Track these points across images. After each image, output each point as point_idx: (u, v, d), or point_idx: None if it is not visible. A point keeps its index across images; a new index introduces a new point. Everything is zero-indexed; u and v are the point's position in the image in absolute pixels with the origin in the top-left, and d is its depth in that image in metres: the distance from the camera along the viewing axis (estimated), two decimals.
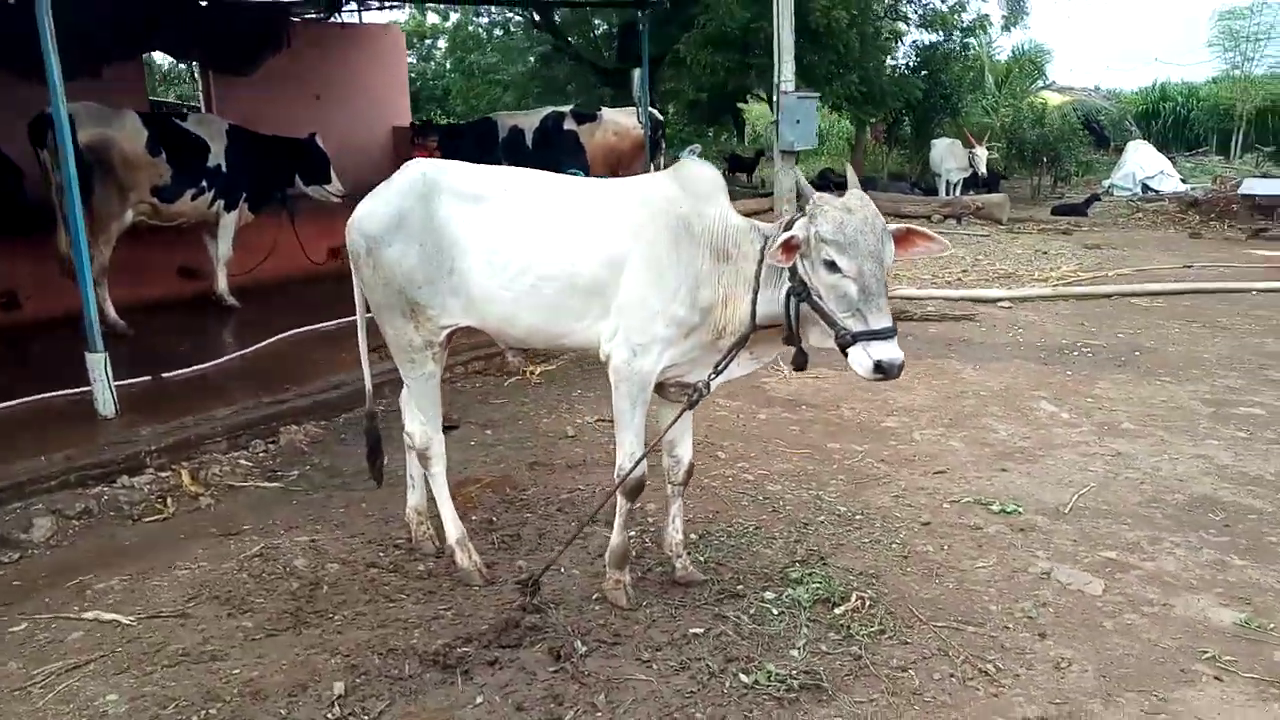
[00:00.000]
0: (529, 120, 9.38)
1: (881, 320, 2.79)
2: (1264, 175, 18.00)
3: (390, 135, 11.84)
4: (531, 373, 6.61)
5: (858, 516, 4.24)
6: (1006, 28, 17.86)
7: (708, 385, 3.29)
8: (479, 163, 9.40)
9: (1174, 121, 31.33)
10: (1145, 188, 20.14)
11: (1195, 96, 31.93)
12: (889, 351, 2.78)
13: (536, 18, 18.21)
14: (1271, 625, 3.26)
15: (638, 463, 3.34)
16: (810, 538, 4.01)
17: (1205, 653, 3.10)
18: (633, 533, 3.86)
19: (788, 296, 3.02)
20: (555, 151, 9.19)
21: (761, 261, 3.11)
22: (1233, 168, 23.49)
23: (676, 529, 3.68)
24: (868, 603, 3.42)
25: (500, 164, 8.91)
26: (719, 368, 3.26)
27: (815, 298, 2.91)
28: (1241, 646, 3.14)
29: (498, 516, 4.34)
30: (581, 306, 3.34)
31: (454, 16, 23.47)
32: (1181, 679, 2.97)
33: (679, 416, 3.41)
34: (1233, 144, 28.80)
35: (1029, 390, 6.14)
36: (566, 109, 9.60)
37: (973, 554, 3.86)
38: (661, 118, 12.12)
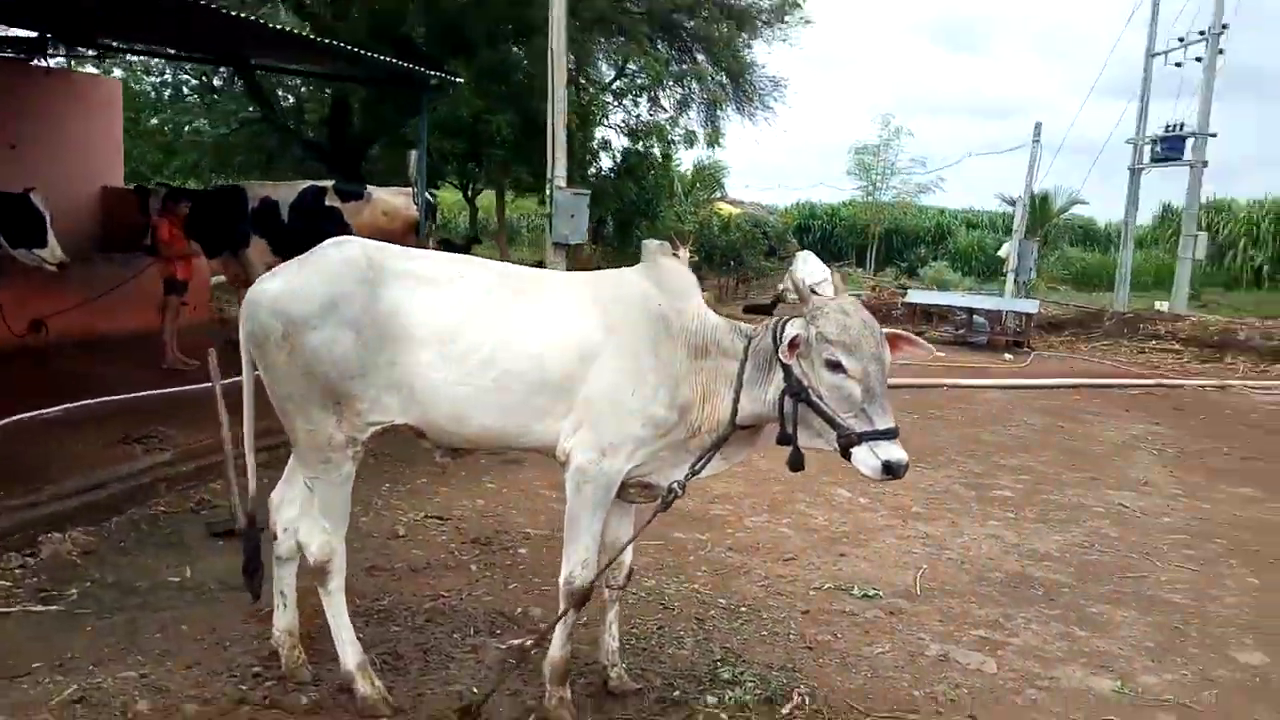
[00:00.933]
0: (283, 193, 8.63)
1: (886, 421, 2.80)
2: (925, 286, 20.96)
3: (99, 196, 10.35)
4: None
5: (742, 609, 4.25)
6: (711, 145, 19.52)
7: (683, 486, 3.12)
8: (225, 233, 8.72)
9: (821, 236, 35.75)
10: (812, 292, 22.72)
11: (837, 216, 36.84)
12: (896, 452, 2.78)
13: (239, 81, 17.04)
14: (1140, 689, 3.69)
15: (602, 570, 3.15)
16: (713, 635, 3.95)
17: None
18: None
19: (783, 396, 2.95)
20: (315, 228, 8.49)
21: (745, 360, 3.05)
22: (872, 279, 27.26)
23: (613, 636, 3.46)
24: (808, 699, 3.41)
25: (249, 237, 8.27)
26: (696, 467, 3.12)
27: (815, 398, 2.87)
28: (1130, 712, 3.51)
29: (362, 633, 3.79)
30: (547, 404, 3.11)
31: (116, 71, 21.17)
32: None
33: (653, 518, 3.20)
34: (868, 258, 33.49)
35: (820, 476, 6.54)
36: (328, 184, 8.97)
37: (866, 640, 4.00)
38: (434, 200, 11.76)
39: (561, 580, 3.19)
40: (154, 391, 6.65)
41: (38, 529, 4.47)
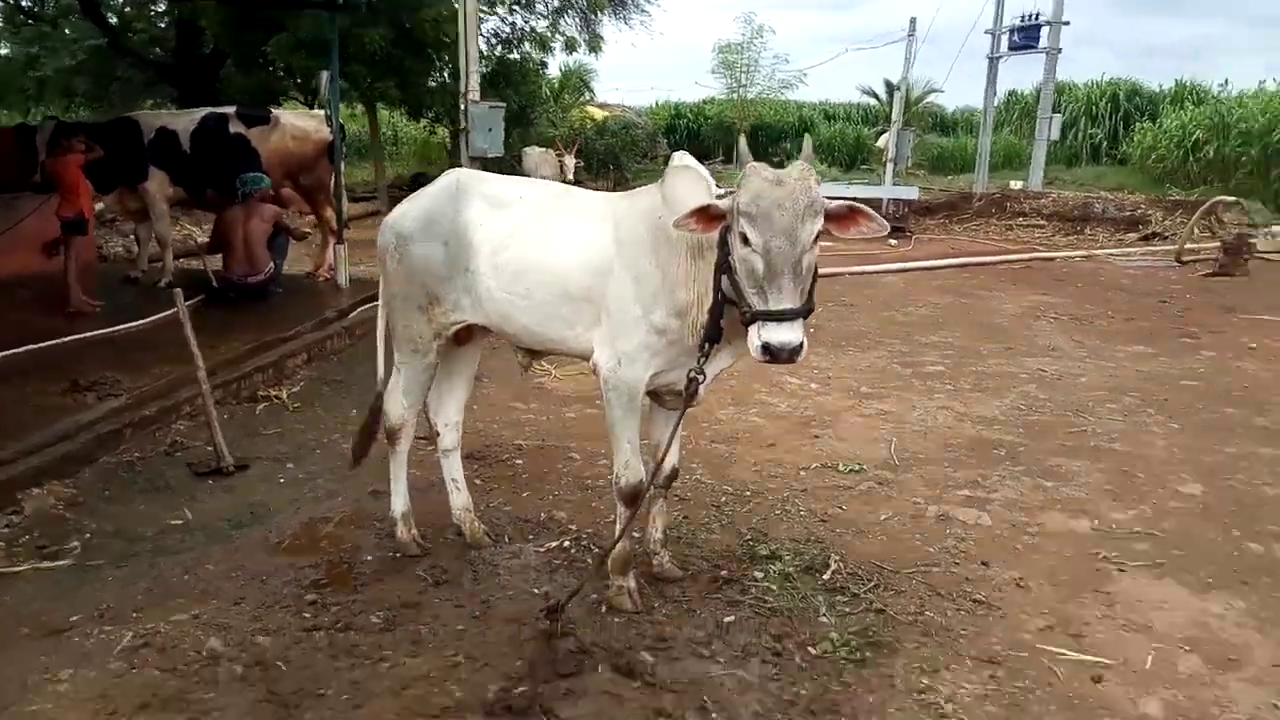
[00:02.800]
0: (182, 121, 8.04)
1: (782, 301, 2.66)
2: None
3: None
4: (279, 397, 5.88)
5: (747, 493, 4.50)
6: (593, 51, 19.18)
7: (700, 373, 3.09)
8: (119, 168, 8.50)
9: (687, 135, 35.75)
10: None
11: (703, 115, 36.88)
12: (780, 334, 2.66)
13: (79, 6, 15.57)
14: (1114, 525, 4.16)
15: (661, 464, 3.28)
16: (734, 519, 4.19)
17: (1097, 554, 3.87)
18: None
19: (716, 272, 2.91)
20: (221, 157, 8.04)
21: (723, 248, 2.91)
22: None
23: (657, 528, 3.67)
24: (842, 564, 3.71)
25: (147, 168, 7.76)
26: (701, 362, 3.13)
27: (733, 273, 2.81)
28: (1113, 544, 3.97)
29: (395, 553, 3.86)
30: (571, 314, 3.33)
31: None
32: (1100, 575, 3.69)
33: (682, 412, 3.28)
34: (734, 155, 33.80)
35: (765, 369, 6.83)
36: (230, 110, 8.41)
37: (869, 509, 4.33)
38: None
39: (612, 481, 3.36)
40: (92, 334, 6.29)
41: (14, 486, 4.26)
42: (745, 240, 2.72)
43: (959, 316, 9.04)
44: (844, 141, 33.76)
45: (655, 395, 3.41)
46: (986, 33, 21.52)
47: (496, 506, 4.31)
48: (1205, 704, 2.84)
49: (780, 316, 2.68)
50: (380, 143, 19.58)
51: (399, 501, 3.88)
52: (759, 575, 3.62)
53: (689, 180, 3.21)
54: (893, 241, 15.05)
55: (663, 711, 2.81)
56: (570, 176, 18.27)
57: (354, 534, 4.00)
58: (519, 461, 4.93)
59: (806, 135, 3.40)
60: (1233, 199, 14.70)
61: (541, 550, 3.87)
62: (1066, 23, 19.94)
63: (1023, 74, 45.18)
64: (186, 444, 5.04)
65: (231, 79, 16.98)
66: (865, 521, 4.19)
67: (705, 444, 5.20)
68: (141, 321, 5.31)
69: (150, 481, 4.61)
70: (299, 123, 8.58)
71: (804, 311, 2.72)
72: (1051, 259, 13.27)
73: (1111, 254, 13.82)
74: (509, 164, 21.05)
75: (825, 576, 3.62)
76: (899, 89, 18.27)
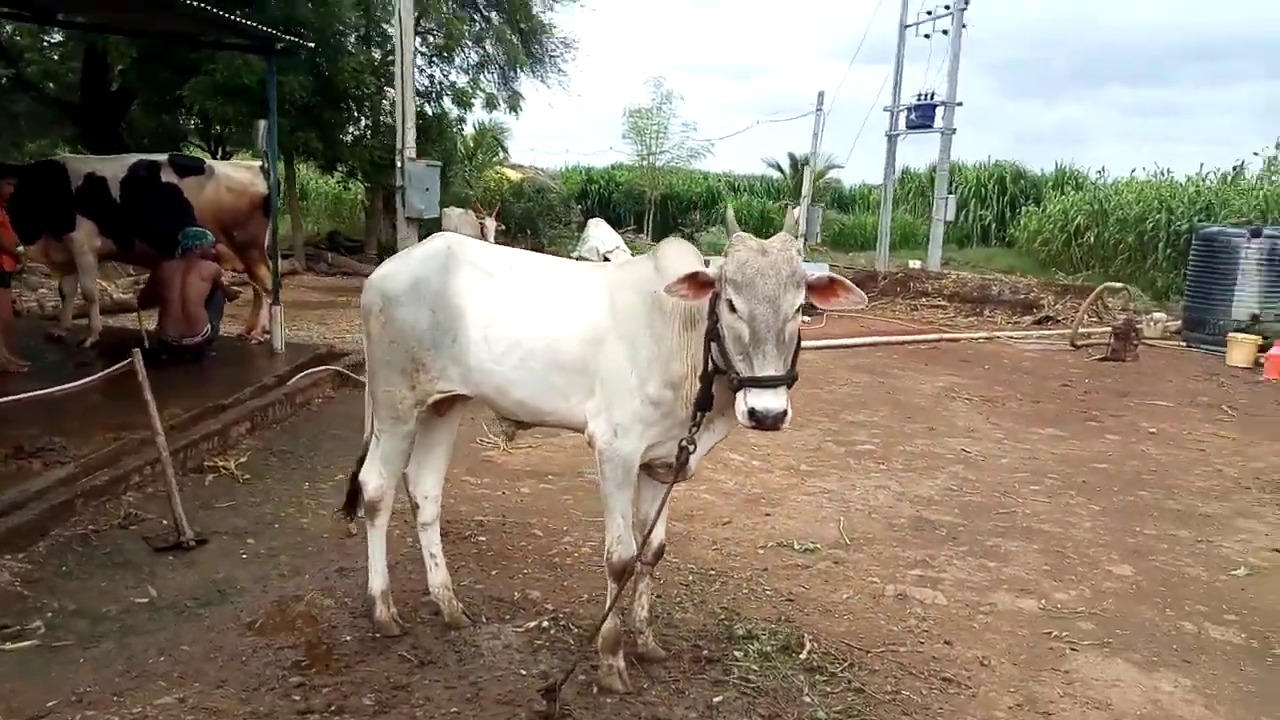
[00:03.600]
0: (111, 168, 7.80)
1: (767, 368, 2.77)
2: (707, 252, 21.90)
3: None
4: (229, 468, 5.74)
5: (712, 572, 4.62)
6: (512, 110, 19.43)
7: (691, 442, 3.15)
8: (43, 213, 8.39)
9: (599, 202, 36.29)
10: (605, 259, 23.29)
11: (614, 181, 37.56)
12: (765, 400, 2.76)
13: None
14: (1058, 605, 4.43)
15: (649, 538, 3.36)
16: (705, 598, 4.29)
17: (1049, 633, 4.12)
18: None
19: (706, 340, 3.01)
20: (152, 207, 7.84)
21: (713, 316, 3.00)
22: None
23: (643, 605, 3.73)
24: (815, 645, 3.85)
25: (75, 217, 7.52)
26: (693, 431, 3.18)
27: (721, 341, 2.91)
28: (1060, 624, 4.22)
29: (374, 633, 3.82)
30: (565, 385, 3.39)
31: None
32: (1054, 653, 3.93)
33: (673, 482, 3.35)
34: (645, 224, 34.48)
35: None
36: (161, 157, 8.21)
37: (830, 589, 4.50)
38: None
39: (604, 557, 3.43)
40: (30, 394, 5.98)
41: None
42: (732, 308, 2.83)
43: (880, 396, 9.43)
44: (750, 214, 34.82)
45: (647, 468, 3.46)
46: (885, 110, 22.77)
47: (468, 585, 4.30)
48: None
49: (765, 383, 2.78)
50: (296, 195, 19.31)
51: (378, 580, 3.84)
52: (739, 655, 3.72)
53: (679, 250, 3.35)
54: (806, 318, 15.55)
55: None
56: (491, 239, 18.36)
57: (328, 613, 3.94)
58: (482, 539, 4.93)
59: (788, 207, 3.60)
60: (1119, 285, 15.79)
61: (520, 630, 3.89)
62: (960, 103, 21.24)
63: (915, 154, 47.67)
64: (140, 515, 4.86)
65: (136, 121, 16.59)
66: (829, 601, 4.36)
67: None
68: (87, 380, 5.08)
69: (108, 556, 4.44)
70: (235, 174, 8.43)
71: (788, 379, 2.84)
72: (957, 340, 13.97)
73: (1011, 336, 14.62)
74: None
75: (802, 656, 3.75)
76: (809, 163, 19.09)
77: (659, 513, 3.57)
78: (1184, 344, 14.10)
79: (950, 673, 3.71)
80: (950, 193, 23.46)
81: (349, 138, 17.36)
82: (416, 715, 3.21)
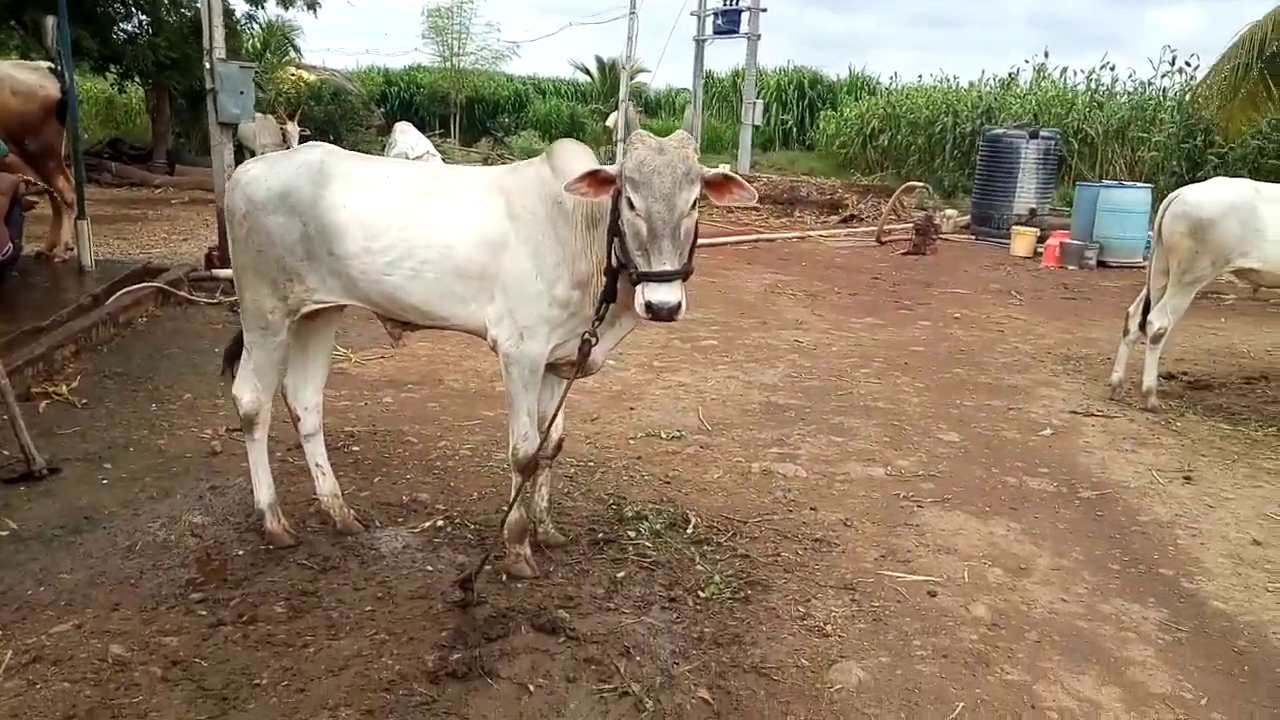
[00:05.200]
0: None
1: (662, 263, 2.86)
2: (519, 156, 21.56)
3: None
4: (61, 393, 5.34)
5: (591, 464, 4.81)
6: (310, 7, 18.10)
7: (594, 334, 3.24)
8: None
9: (401, 104, 34.73)
10: None
11: (415, 83, 35.98)
12: (660, 293, 2.86)
13: None
14: (902, 470, 4.91)
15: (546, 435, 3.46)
16: (590, 487, 4.48)
17: (898, 494, 4.59)
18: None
19: (609, 236, 3.08)
20: None
21: (615, 213, 3.04)
22: (472, 150, 27.47)
23: (543, 496, 3.86)
24: (700, 519, 4.13)
25: None
26: (596, 325, 3.25)
27: (622, 236, 2.99)
28: (907, 485, 4.70)
29: (267, 545, 3.77)
30: (464, 291, 3.39)
31: None
32: (905, 511, 4.39)
33: (576, 372, 3.40)
34: (452, 127, 33.38)
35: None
36: None
37: (702, 470, 4.79)
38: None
39: (509, 453, 3.53)
40: None
41: None
42: (631, 205, 2.90)
43: (713, 295, 9.82)
44: (560, 118, 34.39)
45: (552, 367, 3.55)
46: (692, 14, 22.92)
47: (353, 494, 4.28)
48: (1016, 604, 3.56)
49: (662, 277, 2.87)
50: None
51: (264, 492, 3.78)
52: (632, 534, 3.95)
53: (575, 150, 3.36)
54: None
55: (592, 659, 3.06)
56: (295, 144, 17.30)
57: (211, 530, 3.84)
58: (356, 448, 4.88)
59: (687, 104, 3.65)
60: (918, 184, 16.91)
61: (417, 531, 3.95)
62: (764, 9, 21.71)
63: (717, 58, 48.24)
64: None
65: None
66: (703, 480, 4.65)
67: None
68: None
69: None
70: (20, 76, 7.53)
71: (683, 273, 2.94)
72: (774, 240, 14.62)
73: (822, 235, 15.44)
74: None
75: (689, 531, 4.02)
76: (625, 67, 18.99)
77: (558, 407, 3.68)
78: (973, 237, 15.37)
79: (820, 534, 4.09)
80: (756, 98, 24.07)
81: (124, 35, 15.78)
82: (332, 617, 3.24)
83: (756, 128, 26.40)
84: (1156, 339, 5.99)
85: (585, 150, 3.36)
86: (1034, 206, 14.85)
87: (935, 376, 6.83)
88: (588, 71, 36.34)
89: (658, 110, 38.05)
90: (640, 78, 35.17)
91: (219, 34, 8.15)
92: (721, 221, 16.77)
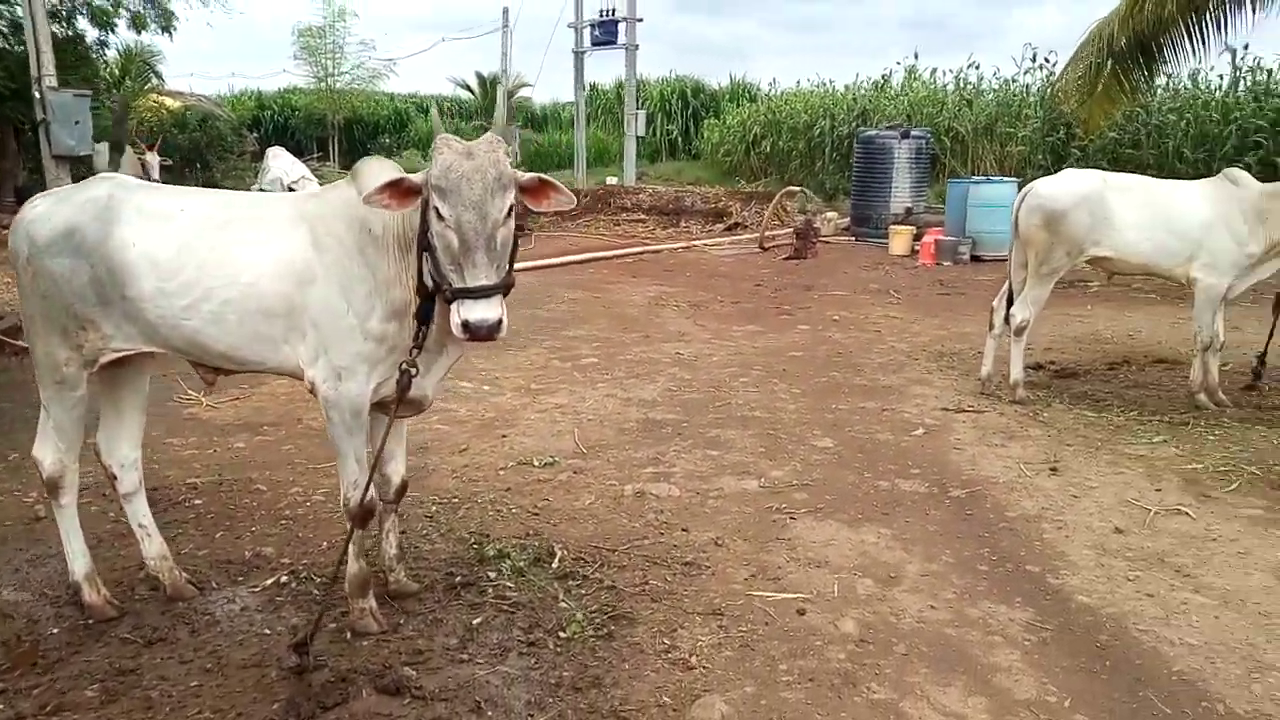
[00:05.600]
0: None
1: (478, 277, 2.64)
2: None
3: None
4: None
5: (455, 499, 4.58)
6: (165, 30, 17.30)
7: (414, 364, 2.96)
8: None
9: (276, 129, 33.69)
10: (291, 190, 21.80)
11: (290, 106, 34.99)
12: (478, 311, 2.64)
13: None
14: (775, 482, 4.83)
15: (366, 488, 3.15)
16: (452, 526, 4.25)
17: (771, 507, 4.49)
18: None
19: (418, 251, 2.84)
20: None
21: (424, 226, 2.81)
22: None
23: (391, 544, 3.62)
24: (565, 552, 3.95)
25: None
26: (414, 353, 2.99)
27: (433, 251, 2.75)
28: (777, 499, 4.62)
29: (86, 619, 3.44)
30: (272, 331, 3.11)
31: None
32: (777, 524, 4.30)
33: (395, 409, 3.13)
34: (330, 149, 32.55)
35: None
36: None
37: (573, 498, 4.62)
38: None
39: (341, 503, 3.28)
40: None
41: None
42: (439, 215, 2.68)
43: (596, 310, 9.69)
44: None
45: (381, 406, 3.26)
46: (570, 27, 22.88)
47: (190, 553, 3.97)
48: (885, 615, 3.48)
49: (477, 293, 2.65)
50: None
51: (79, 562, 3.43)
52: (493, 575, 3.74)
53: (379, 166, 3.12)
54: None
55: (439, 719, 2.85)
56: (156, 176, 16.51)
57: (25, 607, 3.48)
58: (198, 501, 4.55)
59: (499, 105, 3.37)
60: (796, 189, 17.13)
61: (257, 590, 3.66)
62: (640, 19, 21.83)
63: (600, 70, 48.40)
64: None
65: None
66: (573, 509, 4.47)
67: None
68: None
69: None
70: None
71: (501, 287, 2.71)
72: (659, 251, 14.59)
73: (707, 244, 15.49)
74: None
75: (554, 565, 3.84)
76: (501, 83, 18.74)
77: (392, 448, 3.45)
78: (853, 238, 15.64)
79: (690, 557, 3.96)
80: (639, 108, 24.15)
81: None
82: (151, 697, 2.94)
83: (641, 138, 26.55)
84: (1020, 331, 6.09)
85: (390, 165, 3.13)
86: (910, 205, 15.20)
87: (812, 381, 6.82)
88: (469, 87, 35.93)
89: (544, 124, 37.93)
90: (524, 92, 34.96)
91: (47, 60, 7.67)
92: (608, 234, 16.70)
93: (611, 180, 22.46)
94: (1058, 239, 5.84)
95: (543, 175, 2.93)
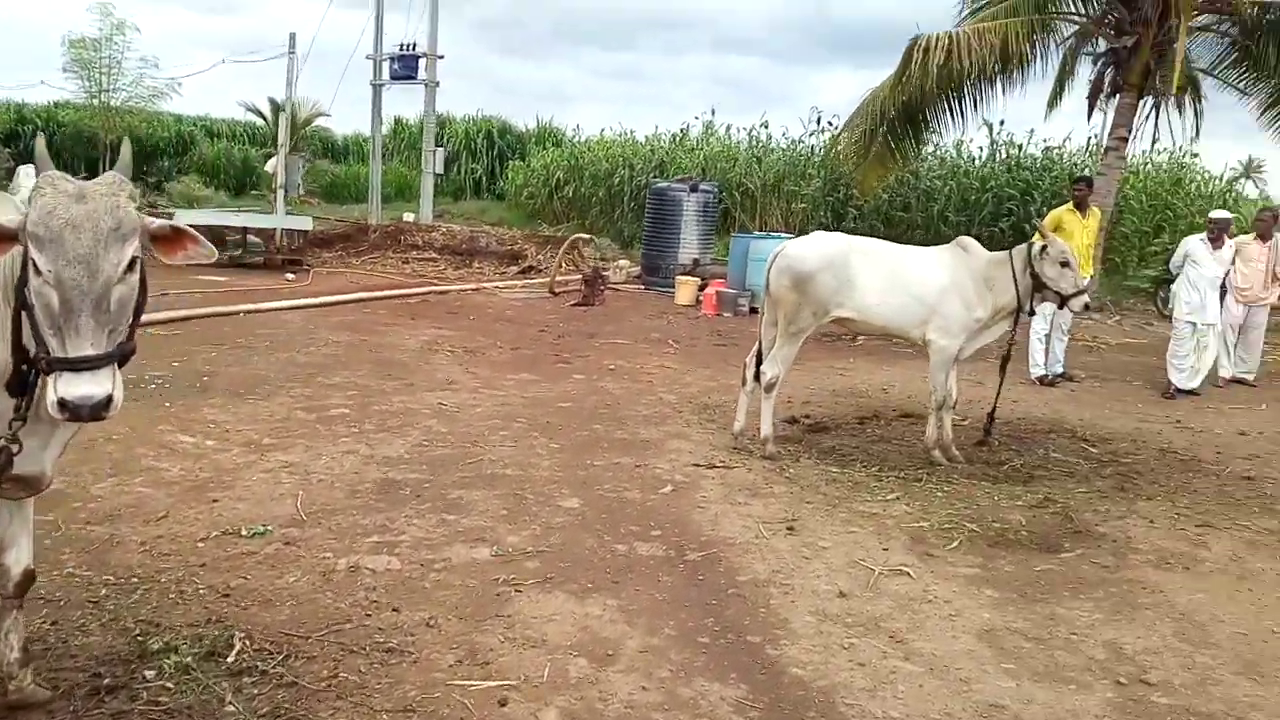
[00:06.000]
0: None
1: (81, 346, 2.21)
2: (175, 203, 19.64)
3: None
4: None
5: (134, 580, 4.01)
6: None
7: (12, 439, 2.49)
8: None
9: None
10: None
11: (57, 121, 32.09)
12: (78, 387, 2.20)
13: None
14: (510, 549, 4.54)
15: None
16: (118, 614, 3.69)
17: (498, 579, 4.19)
18: None
19: (16, 310, 2.41)
20: None
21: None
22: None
23: (12, 646, 3.03)
24: (247, 642, 3.50)
25: None
26: (14, 426, 2.50)
27: (32, 311, 2.29)
28: (508, 568, 4.33)
29: None
30: None
31: None
32: (500, 599, 4.00)
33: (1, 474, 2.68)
34: (101, 170, 30.02)
35: (151, 427, 6.18)
36: None
37: (276, 574, 4.14)
38: None
39: None
40: None
41: None
42: (37, 269, 2.23)
43: (362, 355, 9.15)
44: (231, 163, 32.04)
45: None
46: (368, 58, 22.14)
47: None
48: (592, 701, 3.25)
49: (79, 365, 2.21)
50: None
51: None
52: (150, 675, 3.23)
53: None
54: (290, 276, 14.73)
55: None
56: None
57: None
58: None
59: (125, 140, 2.89)
60: (587, 236, 17.16)
61: None
62: (441, 56, 21.42)
63: (408, 104, 47.50)
64: None
65: None
66: (273, 588, 4.01)
67: (79, 528, 4.51)
68: None
69: None
70: None
71: (113, 357, 2.28)
72: (446, 292, 14.15)
73: (498, 286, 15.19)
74: None
75: (230, 659, 3.38)
76: (284, 110, 17.78)
77: (12, 534, 2.91)
78: (643, 287, 15.78)
79: (395, 642, 3.60)
80: (440, 145, 23.69)
81: None
82: None
83: (439, 176, 26.00)
84: (770, 388, 6.13)
85: (4, 198, 2.66)
86: (697, 256, 15.51)
87: (574, 435, 6.62)
88: (260, 113, 34.13)
89: (345, 155, 36.62)
90: (322, 122, 33.64)
91: None
92: (396, 273, 16.10)
93: (410, 217, 21.80)
94: (805, 299, 5.94)
95: (177, 224, 2.55)
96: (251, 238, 16.10)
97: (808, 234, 6.82)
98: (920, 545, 4.81)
